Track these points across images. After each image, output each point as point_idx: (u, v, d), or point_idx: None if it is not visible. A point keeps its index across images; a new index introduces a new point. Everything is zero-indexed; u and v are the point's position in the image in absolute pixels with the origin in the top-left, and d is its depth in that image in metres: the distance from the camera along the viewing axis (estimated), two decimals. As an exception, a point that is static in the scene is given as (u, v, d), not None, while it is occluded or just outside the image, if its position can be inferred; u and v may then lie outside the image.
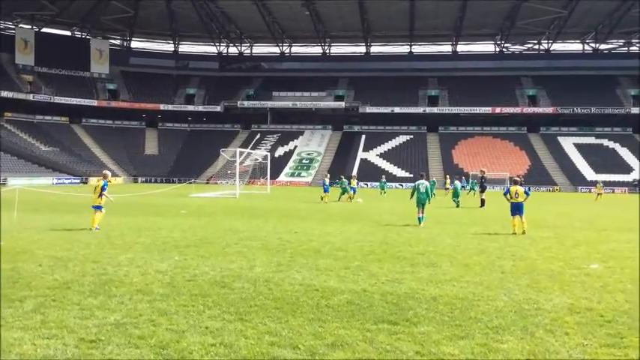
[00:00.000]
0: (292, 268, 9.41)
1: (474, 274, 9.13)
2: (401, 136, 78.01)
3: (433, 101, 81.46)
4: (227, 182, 46.96)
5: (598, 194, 40.45)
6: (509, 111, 76.93)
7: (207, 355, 5.05)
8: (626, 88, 79.04)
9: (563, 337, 5.69)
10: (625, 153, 69.36)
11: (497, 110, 76.49)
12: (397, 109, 78.33)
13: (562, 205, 33.42)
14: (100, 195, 14.86)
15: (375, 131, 79.51)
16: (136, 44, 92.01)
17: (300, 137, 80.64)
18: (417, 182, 18.16)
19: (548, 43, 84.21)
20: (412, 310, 6.67)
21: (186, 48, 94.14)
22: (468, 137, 76.53)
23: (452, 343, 5.44)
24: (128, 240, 12.79)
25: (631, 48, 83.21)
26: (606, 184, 58.40)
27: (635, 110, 74.04)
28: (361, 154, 73.93)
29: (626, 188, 61.04)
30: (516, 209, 15.77)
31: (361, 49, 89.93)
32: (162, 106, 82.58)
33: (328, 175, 33.30)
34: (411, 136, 77.96)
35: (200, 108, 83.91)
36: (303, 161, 74.47)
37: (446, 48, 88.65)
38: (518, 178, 17.39)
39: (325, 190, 31.25)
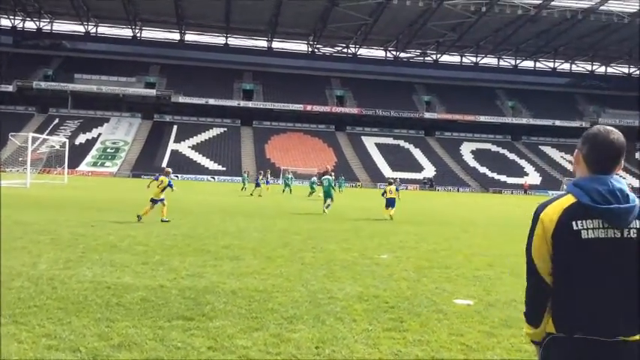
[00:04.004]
0: (83, 264, 8.70)
1: (275, 267, 9.27)
2: (215, 129, 77.34)
3: (248, 95, 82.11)
4: (17, 170, 42.39)
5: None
6: (320, 109, 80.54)
7: (-33, 365, 4.40)
8: (421, 94, 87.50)
9: (351, 324, 6.00)
10: (418, 154, 76.69)
11: (309, 108, 79.64)
12: (212, 101, 77.50)
13: (363, 199, 35.79)
14: (164, 189, 16.03)
15: (187, 122, 77.75)
16: None
17: (106, 124, 75.81)
18: (323, 177, 22.98)
19: (355, 47, 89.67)
20: (210, 305, 6.53)
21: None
22: (280, 132, 78.49)
23: (246, 336, 5.42)
24: None
25: (426, 58, 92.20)
26: (401, 181, 63.95)
27: (427, 115, 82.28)
28: (172, 145, 71.81)
29: (418, 185, 67.50)
30: (390, 203, 19.98)
31: (175, 36, 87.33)
32: (-61, 82, 71.90)
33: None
34: (225, 129, 77.71)
35: (-12, 86, 74.59)
36: (108, 150, 70.14)
37: (261, 43, 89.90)
38: (392, 180, 22.80)
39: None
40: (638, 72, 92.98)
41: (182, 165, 65.05)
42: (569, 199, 2.43)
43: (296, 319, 6.10)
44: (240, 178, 45.95)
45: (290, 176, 44.74)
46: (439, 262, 10.53)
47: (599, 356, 2.34)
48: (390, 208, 19.98)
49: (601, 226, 2.36)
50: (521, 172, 73.52)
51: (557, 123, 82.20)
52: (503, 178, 71.77)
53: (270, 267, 9.23)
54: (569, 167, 75.75)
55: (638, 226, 2.37)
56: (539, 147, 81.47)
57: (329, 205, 21.57)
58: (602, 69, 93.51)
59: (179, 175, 61.12)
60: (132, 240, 11.61)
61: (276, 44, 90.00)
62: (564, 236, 2.39)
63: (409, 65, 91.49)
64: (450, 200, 42.19)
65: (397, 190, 20.57)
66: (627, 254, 2.36)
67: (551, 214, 2.43)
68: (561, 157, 78.94)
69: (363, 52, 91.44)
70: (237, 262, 9.53)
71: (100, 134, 73.14)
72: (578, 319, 2.39)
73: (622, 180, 2.45)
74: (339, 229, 15.74)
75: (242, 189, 40.83)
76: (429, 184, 67.72)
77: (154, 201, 15.94)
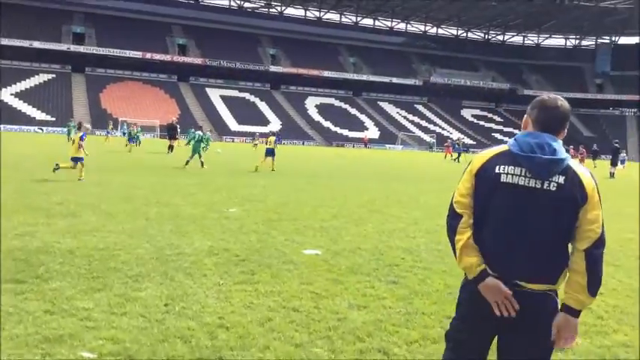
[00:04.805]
0: None
1: (117, 223, 8.77)
2: (41, 75, 70.23)
3: (79, 39, 75.38)
4: None
5: (254, 145, 45.07)
6: (160, 58, 76.60)
7: None
8: (266, 47, 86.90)
9: (201, 279, 5.87)
10: (264, 107, 76.63)
11: (148, 56, 75.32)
12: (37, 44, 70.00)
13: (209, 153, 35.10)
14: (80, 146, 15.03)
15: (9, 67, 69.58)
16: None
17: None
18: (196, 132, 23.62)
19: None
20: (44, 266, 6.00)
21: None
22: (117, 81, 73.51)
23: (87, 297, 5.07)
24: None
25: (270, 10, 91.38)
26: (247, 134, 63.84)
27: (273, 68, 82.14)
28: (-8, 93, 64.16)
29: (264, 139, 67.79)
30: (269, 153, 21.77)
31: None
32: None
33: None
34: (54, 75, 70.93)
35: None
36: None
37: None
38: (272, 132, 24.81)
39: None
40: (464, 34, 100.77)
41: (4, 115, 58.58)
42: (503, 148, 2.60)
43: (142, 277, 5.83)
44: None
45: (137, 129, 40.57)
46: (287, 214, 10.70)
47: None
48: (270, 158, 21.73)
49: (523, 174, 2.49)
50: (361, 127, 76.84)
51: (394, 80, 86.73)
52: (345, 132, 74.48)
53: (111, 223, 8.71)
54: (405, 123, 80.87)
55: (559, 181, 2.46)
56: (378, 103, 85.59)
57: (188, 161, 21.09)
58: (433, 30, 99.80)
59: (1, 126, 55.10)
60: (-55, 198, 10.25)
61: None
62: (486, 176, 2.54)
63: (254, 16, 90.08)
64: (296, 153, 43.02)
65: (277, 142, 22.78)
66: (543, 205, 2.47)
67: (483, 156, 2.62)
68: (397, 112, 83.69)
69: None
70: (73, 220, 8.86)
71: None
72: (485, 259, 2.54)
73: (559, 140, 2.56)
74: (184, 183, 15.30)
75: (69, 140, 38.05)
76: (277, 136, 68.36)
77: (74, 159, 15.02)
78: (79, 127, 16.43)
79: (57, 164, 15.04)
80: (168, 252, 6.99)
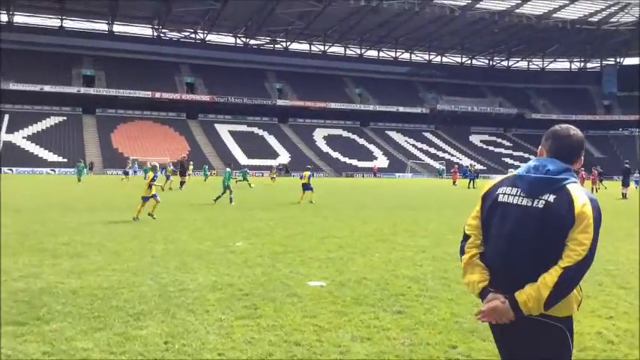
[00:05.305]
0: None
1: (122, 261, 8.76)
2: (53, 117, 71.36)
3: (89, 81, 76.73)
4: None
5: (272, 178, 45.38)
6: (169, 97, 77.64)
7: None
8: (273, 81, 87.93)
9: (203, 315, 5.81)
10: (272, 140, 77.12)
11: (157, 95, 76.41)
12: (48, 88, 71.30)
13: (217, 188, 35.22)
14: (150, 186, 15.39)
15: (21, 111, 70.81)
16: None
17: None
18: (226, 170, 23.36)
19: (203, 33, 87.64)
20: (46, 307, 5.98)
21: None
22: (127, 121, 74.47)
23: (87, 337, 5.02)
24: None
25: (276, 46, 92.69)
26: (257, 168, 64.18)
27: (280, 102, 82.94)
28: (5, 137, 65.05)
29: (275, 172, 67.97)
30: (306, 187, 22.59)
31: (2, 17, 78.89)
32: None
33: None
34: (65, 118, 72.04)
35: None
36: None
37: (102, 27, 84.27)
38: (310, 166, 26.25)
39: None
40: (469, 61, 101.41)
41: (17, 158, 59.37)
42: (512, 173, 2.74)
43: (143, 315, 5.78)
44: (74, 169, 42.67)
45: (170, 169, 36.43)
46: (294, 246, 10.63)
47: None
48: (309, 190, 22.48)
49: (517, 193, 2.58)
50: (370, 157, 76.93)
51: (401, 109, 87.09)
52: (354, 162, 74.59)
53: (117, 262, 8.70)
54: (413, 151, 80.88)
55: (548, 199, 2.48)
56: (386, 132, 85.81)
57: (231, 198, 21.31)
58: (438, 59, 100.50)
59: (14, 169, 55.79)
60: (-47, 242, 10.31)
61: (118, 28, 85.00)
62: (489, 198, 2.68)
63: (259, 52, 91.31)
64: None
65: (310, 176, 23.31)
66: (530, 223, 2.49)
67: (492, 181, 2.78)
68: (405, 141, 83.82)
69: (212, 38, 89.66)
70: (78, 260, 8.86)
71: None
72: (490, 276, 2.63)
73: (563, 164, 2.57)
74: (191, 219, 15.32)
75: (79, 181, 38.32)
76: (284, 170, 68.53)
77: (144, 198, 15.32)
78: (153, 168, 16.65)
79: (134, 217, 14.87)
80: (172, 289, 6.95)
